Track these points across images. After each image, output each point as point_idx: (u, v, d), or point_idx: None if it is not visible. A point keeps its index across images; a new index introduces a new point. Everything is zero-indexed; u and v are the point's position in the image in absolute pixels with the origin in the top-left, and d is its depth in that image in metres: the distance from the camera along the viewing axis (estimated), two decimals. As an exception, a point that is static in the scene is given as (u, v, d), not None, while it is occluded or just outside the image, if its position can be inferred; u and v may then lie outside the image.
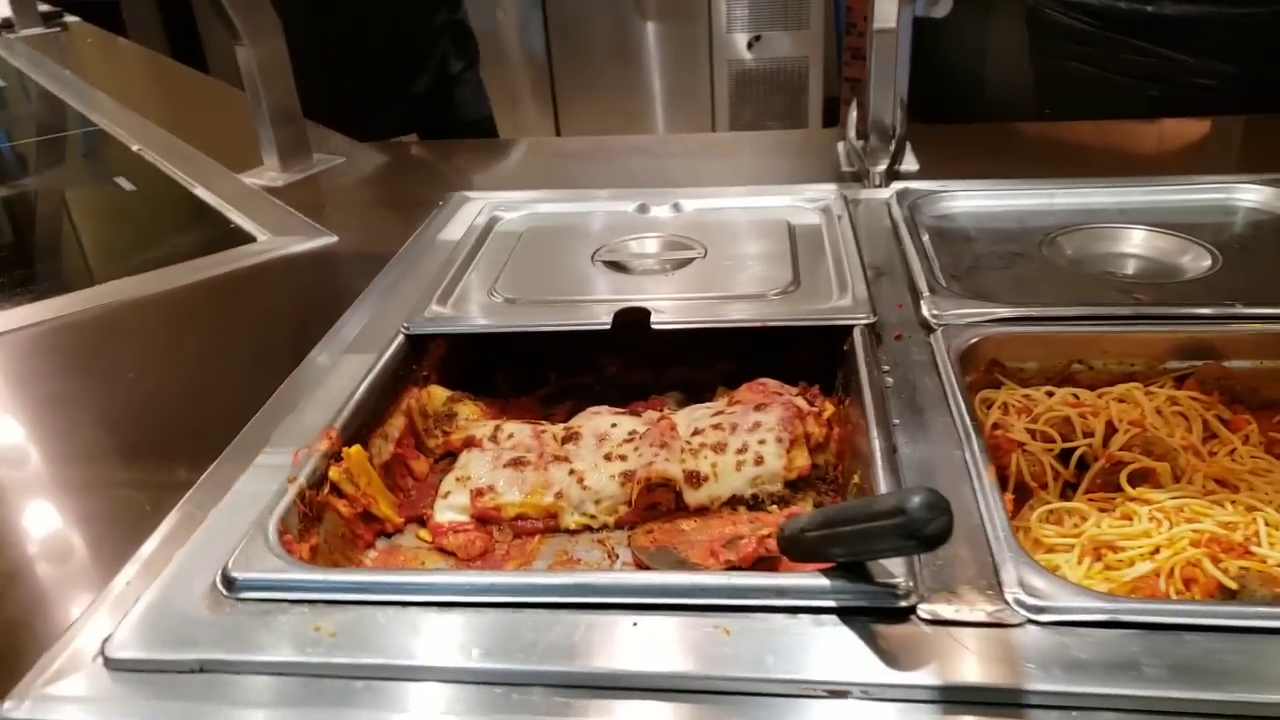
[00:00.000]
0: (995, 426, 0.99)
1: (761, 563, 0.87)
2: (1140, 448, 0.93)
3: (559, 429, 1.07)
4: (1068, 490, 0.95)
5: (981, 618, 0.72)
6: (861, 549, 0.71)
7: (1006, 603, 0.72)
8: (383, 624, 0.75)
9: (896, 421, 0.94)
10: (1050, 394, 1.03)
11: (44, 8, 3.63)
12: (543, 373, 1.23)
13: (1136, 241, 1.27)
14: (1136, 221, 1.31)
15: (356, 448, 0.96)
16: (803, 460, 0.98)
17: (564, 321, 1.15)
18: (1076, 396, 1.02)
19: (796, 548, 0.77)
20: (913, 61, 1.55)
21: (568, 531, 0.98)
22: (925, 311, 1.10)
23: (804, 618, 0.73)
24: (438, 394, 1.13)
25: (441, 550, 0.96)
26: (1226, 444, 0.97)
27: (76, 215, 1.88)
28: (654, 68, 4.63)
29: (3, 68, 3.08)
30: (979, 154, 1.77)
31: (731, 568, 0.86)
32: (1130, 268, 1.24)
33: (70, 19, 3.66)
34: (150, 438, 1.06)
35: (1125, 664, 0.67)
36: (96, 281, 1.44)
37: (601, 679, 0.70)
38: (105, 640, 0.75)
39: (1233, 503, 0.87)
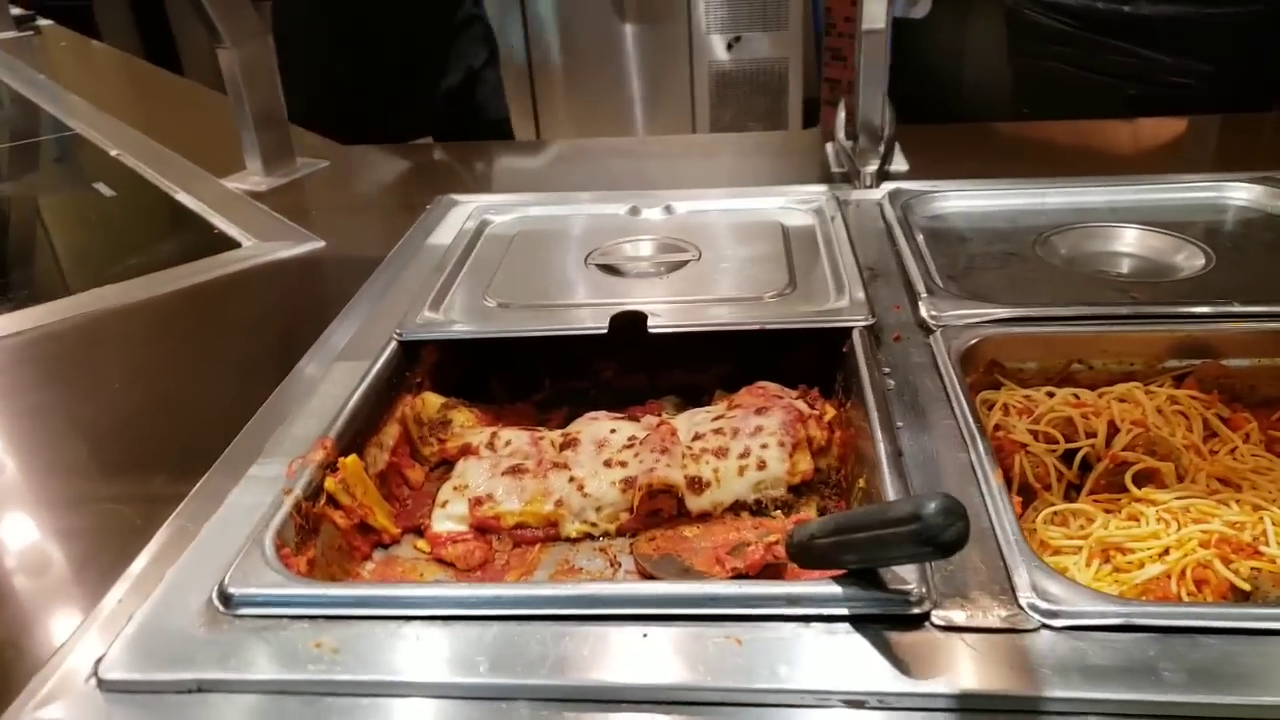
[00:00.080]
0: (997, 428, 0.99)
1: (768, 569, 0.86)
2: (1143, 448, 0.92)
3: (557, 435, 1.05)
4: (1071, 491, 0.95)
5: (996, 623, 0.71)
6: (875, 556, 0.70)
7: (1021, 608, 0.71)
8: (386, 639, 0.73)
9: (900, 424, 0.93)
10: (1051, 394, 1.02)
11: (16, 11, 3.57)
12: (537, 378, 1.22)
13: (1130, 240, 1.27)
14: (1128, 220, 1.31)
15: (353, 457, 0.94)
16: (805, 464, 0.97)
17: (559, 326, 1.13)
18: (1077, 396, 1.02)
19: (806, 555, 0.76)
20: (891, 62, 1.55)
21: (568, 540, 0.96)
22: (924, 313, 1.09)
23: (816, 626, 0.72)
24: (432, 401, 1.11)
25: (440, 561, 0.94)
26: (1227, 443, 0.97)
27: (55, 222, 1.84)
28: (633, 69, 4.62)
29: (-25, 72, 3.03)
30: (966, 154, 1.77)
31: (738, 575, 0.85)
32: (1125, 267, 1.24)
33: (43, 22, 3.60)
34: (137, 450, 1.04)
35: (1143, 669, 0.66)
36: (77, 289, 1.41)
37: (613, 692, 0.69)
38: (98, 661, 0.73)
39: (1237, 502, 0.87)
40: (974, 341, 1.03)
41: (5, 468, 1.03)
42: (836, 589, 0.73)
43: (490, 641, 0.72)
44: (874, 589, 0.72)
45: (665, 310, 1.13)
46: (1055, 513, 0.90)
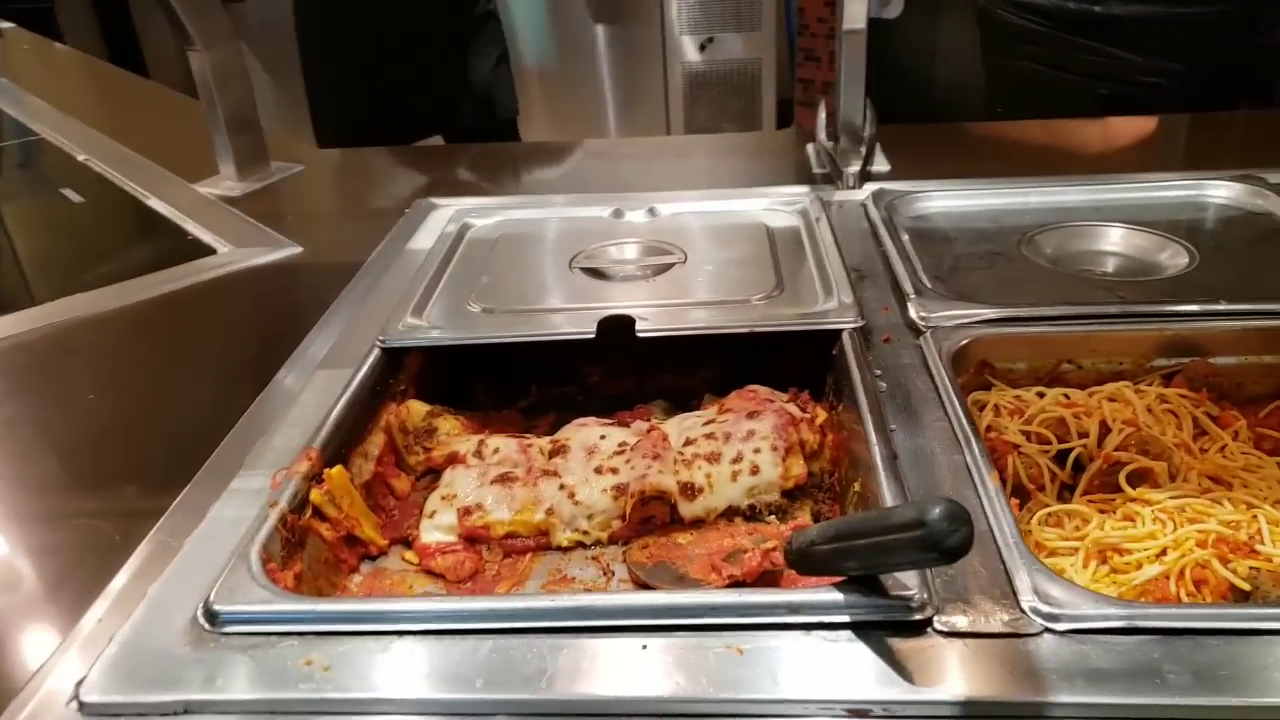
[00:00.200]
0: (988, 429, 0.98)
1: (764, 576, 0.85)
2: (1136, 447, 0.92)
3: (545, 442, 1.04)
4: (1063, 492, 0.95)
5: (999, 628, 0.70)
6: (877, 562, 0.70)
7: (1023, 612, 0.71)
8: (379, 655, 0.72)
9: (893, 427, 0.93)
10: (1041, 395, 1.02)
11: (-25, 14, 3.51)
12: (522, 384, 1.20)
13: (1114, 239, 1.28)
14: (1110, 219, 1.32)
15: (339, 468, 0.92)
16: (799, 468, 0.96)
17: (546, 331, 1.12)
18: (1067, 397, 1.01)
19: (805, 561, 0.75)
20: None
21: (560, 549, 0.95)
22: (913, 314, 1.09)
23: (818, 634, 0.71)
24: (417, 409, 1.09)
25: (429, 572, 0.93)
26: (1217, 441, 0.97)
27: (22, 229, 1.80)
28: (606, 70, 4.61)
29: (-65, 77, 2.96)
30: (945, 154, 1.78)
31: (735, 582, 0.84)
32: (1110, 266, 1.24)
33: (4, 25, 3.53)
34: (114, 463, 1.01)
35: (1148, 672, 0.66)
36: (45, 298, 1.37)
37: (614, 706, 0.68)
38: (79, 683, 0.71)
39: (1229, 500, 0.87)
40: (964, 342, 1.03)
41: (-23, 483, 1.00)
42: (838, 596, 0.72)
43: (485, 656, 0.71)
44: (875, 595, 0.71)
45: (653, 314, 1.12)
46: (1050, 514, 0.90)
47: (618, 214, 1.45)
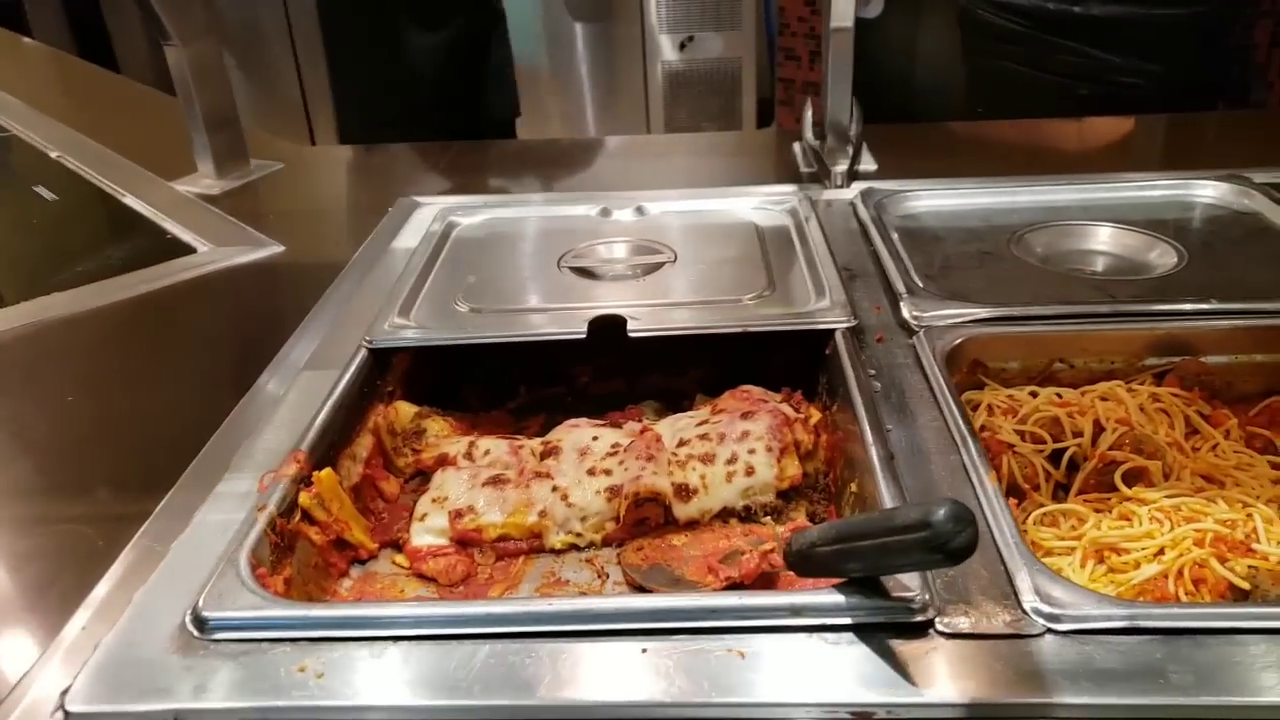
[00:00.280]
0: (982, 428, 0.98)
1: (760, 578, 0.84)
2: (1130, 446, 0.92)
3: (536, 443, 1.02)
4: (1057, 491, 0.95)
5: (1001, 629, 0.70)
6: (881, 564, 0.69)
7: (1024, 612, 0.71)
8: (373, 662, 0.70)
9: (889, 427, 0.92)
10: (1034, 394, 1.02)
11: (-57, 9, 3.44)
12: (511, 384, 1.19)
13: (1104, 239, 1.28)
14: (1099, 218, 1.32)
15: (327, 471, 0.91)
16: (794, 469, 0.95)
17: (536, 331, 1.11)
18: (1060, 396, 1.01)
19: (806, 563, 0.74)
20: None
21: (553, 551, 0.94)
22: (905, 313, 1.08)
23: (820, 636, 0.70)
24: (405, 410, 1.08)
25: (421, 576, 0.91)
26: (1209, 439, 0.97)
27: (-7, 227, 1.77)
28: (585, 69, 4.59)
29: (-100, 72, 2.90)
30: (930, 153, 1.78)
31: (732, 584, 0.83)
32: (1100, 265, 1.25)
33: (-30, 20, 3.47)
34: (96, 466, 0.99)
35: (1151, 672, 0.65)
36: (20, 298, 1.34)
37: (614, 711, 0.67)
38: (64, 693, 0.69)
39: (1223, 499, 0.87)
40: (958, 342, 1.03)
41: (-48, 487, 0.98)
42: (839, 598, 0.71)
43: (483, 661, 0.70)
44: (877, 597, 0.71)
45: (644, 313, 1.11)
46: (1045, 514, 0.90)
47: (605, 213, 1.44)
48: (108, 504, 0.93)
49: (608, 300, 1.17)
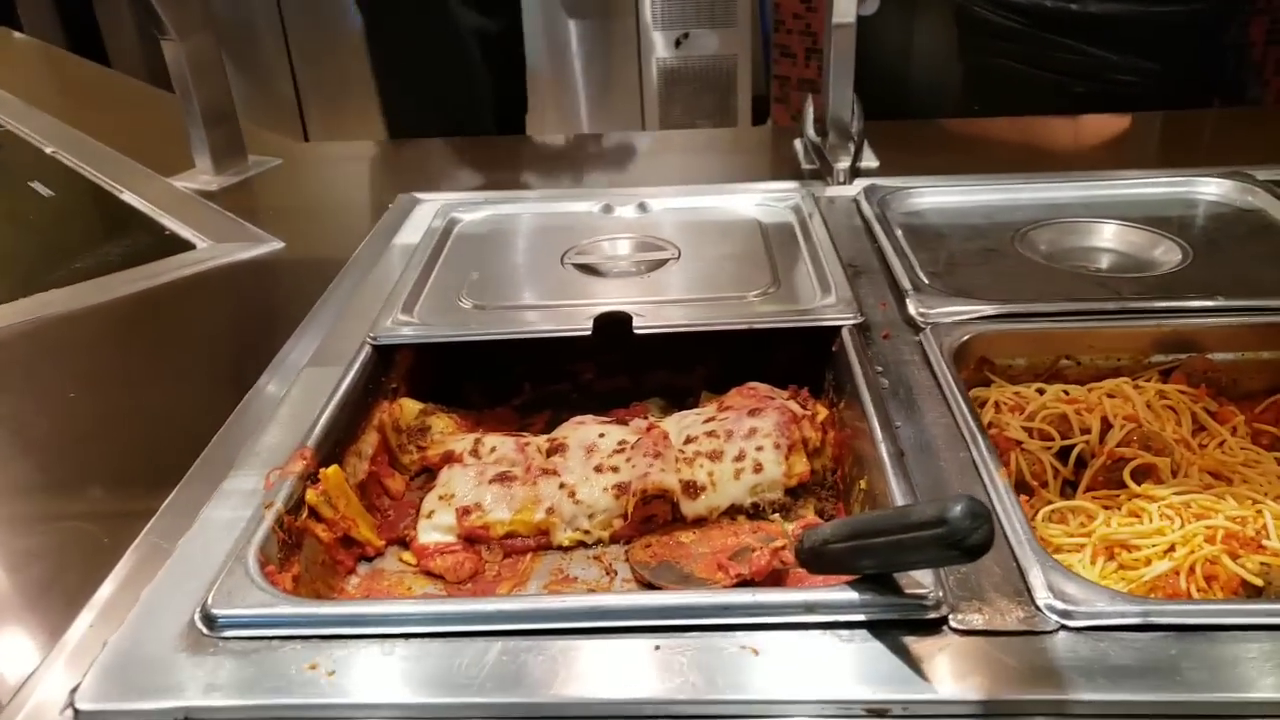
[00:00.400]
0: (989, 425, 0.98)
1: (770, 575, 0.84)
2: (1138, 443, 0.92)
3: (542, 440, 1.02)
4: (1065, 488, 0.94)
5: (1014, 625, 0.70)
6: (896, 560, 0.69)
7: (1038, 609, 0.70)
8: (384, 659, 0.70)
9: (898, 424, 0.92)
10: (1040, 391, 1.02)
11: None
12: (514, 381, 1.18)
13: (1107, 236, 1.28)
14: (1102, 215, 1.32)
15: (334, 468, 0.90)
16: (802, 466, 0.95)
17: (542, 328, 1.10)
18: (1066, 393, 1.01)
19: (818, 560, 0.74)
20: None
21: (560, 548, 0.93)
22: (912, 310, 1.08)
23: (833, 633, 0.70)
24: (410, 407, 1.07)
25: (428, 573, 0.91)
26: (1216, 437, 0.97)
27: (-11, 223, 1.75)
28: (579, 65, 4.58)
29: (-109, 67, 2.87)
30: (931, 150, 1.78)
31: (742, 581, 0.83)
32: (1104, 262, 1.25)
33: (-39, 15, 3.44)
34: (99, 464, 0.98)
35: (1167, 669, 0.65)
36: (18, 294, 1.32)
37: (628, 708, 0.66)
38: (73, 691, 0.68)
39: (1232, 495, 0.87)
40: (965, 339, 1.03)
41: (-45, 485, 0.97)
42: (853, 595, 0.71)
43: (495, 659, 0.69)
44: (890, 594, 0.71)
45: (649, 310, 1.11)
46: (1053, 510, 0.90)
47: (607, 209, 1.43)
48: (112, 501, 0.92)
49: (612, 297, 1.16)
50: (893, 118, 2.11)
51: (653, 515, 0.93)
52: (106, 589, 0.79)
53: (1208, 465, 0.93)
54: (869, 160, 1.59)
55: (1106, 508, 0.88)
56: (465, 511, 0.93)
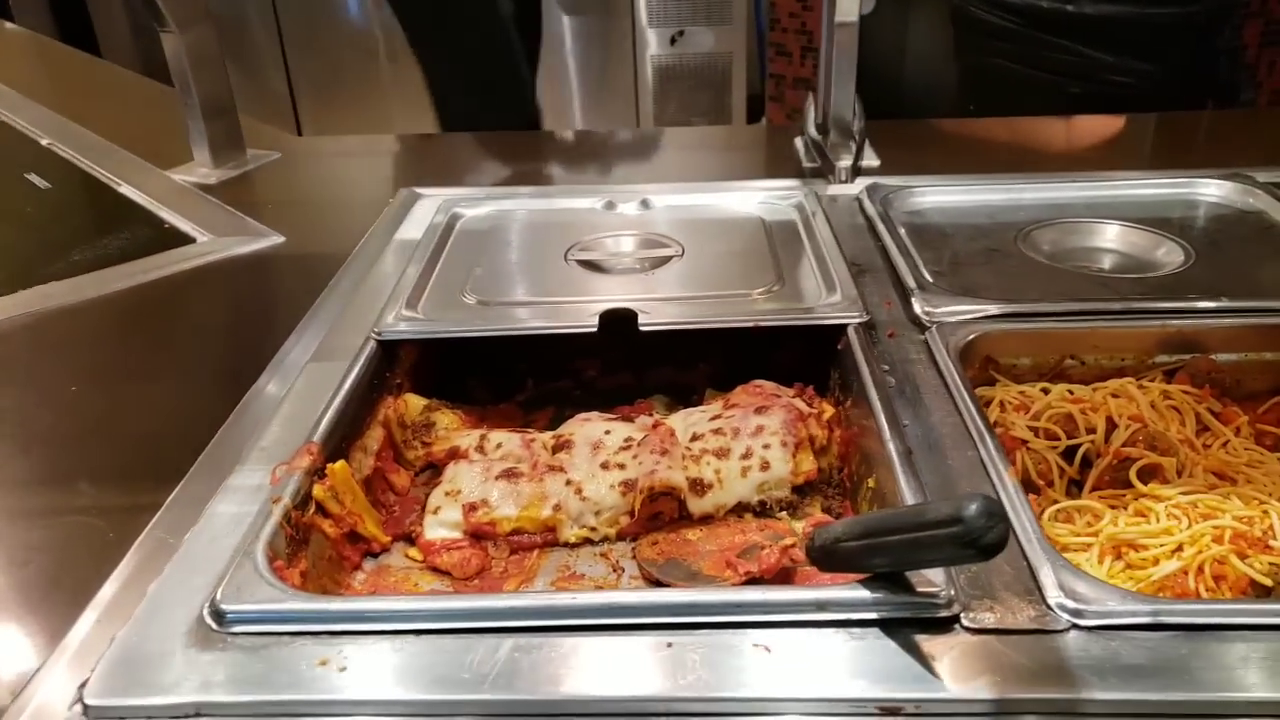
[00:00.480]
0: (995, 424, 0.98)
1: (778, 573, 0.84)
2: (1144, 443, 0.92)
3: (548, 437, 1.02)
4: (1070, 488, 0.95)
5: (1026, 624, 0.70)
6: (909, 559, 0.69)
7: (1049, 608, 0.71)
8: (395, 655, 0.69)
9: (905, 423, 0.92)
10: (1045, 390, 1.02)
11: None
12: (518, 377, 1.18)
13: (1110, 236, 1.28)
14: (1103, 216, 1.33)
15: (341, 463, 0.90)
16: (809, 464, 0.95)
17: (548, 324, 1.10)
18: (1071, 392, 1.02)
19: (830, 558, 0.74)
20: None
21: (567, 545, 0.93)
22: (917, 309, 1.08)
23: (845, 632, 0.70)
24: (414, 403, 1.07)
25: (434, 569, 0.90)
26: (1219, 437, 0.98)
27: (-14, 215, 1.73)
28: (573, 63, 4.57)
29: (-118, 56, 2.85)
30: (930, 149, 1.79)
31: (751, 578, 0.83)
32: (1107, 262, 1.25)
33: (-47, 5, 3.41)
34: (103, 458, 0.97)
35: (1178, 669, 0.66)
36: (18, 286, 1.31)
37: (641, 705, 0.66)
38: (81, 686, 0.68)
39: (1237, 496, 0.87)
40: (971, 338, 1.03)
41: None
42: (865, 593, 0.71)
43: (507, 655, 0.69)
44: (902, 592, 0.71)
45: (654, 307, 1.11)
46: (1059, 510, 0.90)
47: (610, 206, 1.43)
48: (116, 495, 0.91)
49: (616, 294, 1.16)
50: (887, 117, 2.12)
51: (659, 512, 0.93)
52: (112, 584, 0.78)
53: (1212, 466, 0.93)
54: (870, 159, 1.60)
55: (1113, 507, 0.89)
56: (472, 508, 0.92)
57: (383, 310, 1.13)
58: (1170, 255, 1.22)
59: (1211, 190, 1.38)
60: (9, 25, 3.52)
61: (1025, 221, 1.31)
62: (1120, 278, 1.19)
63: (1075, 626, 0.69)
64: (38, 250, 1.50)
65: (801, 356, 1.10)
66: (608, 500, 0.93)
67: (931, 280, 1.14)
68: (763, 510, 0.94)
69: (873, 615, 0.70)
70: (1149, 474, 0.91)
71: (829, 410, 1.02)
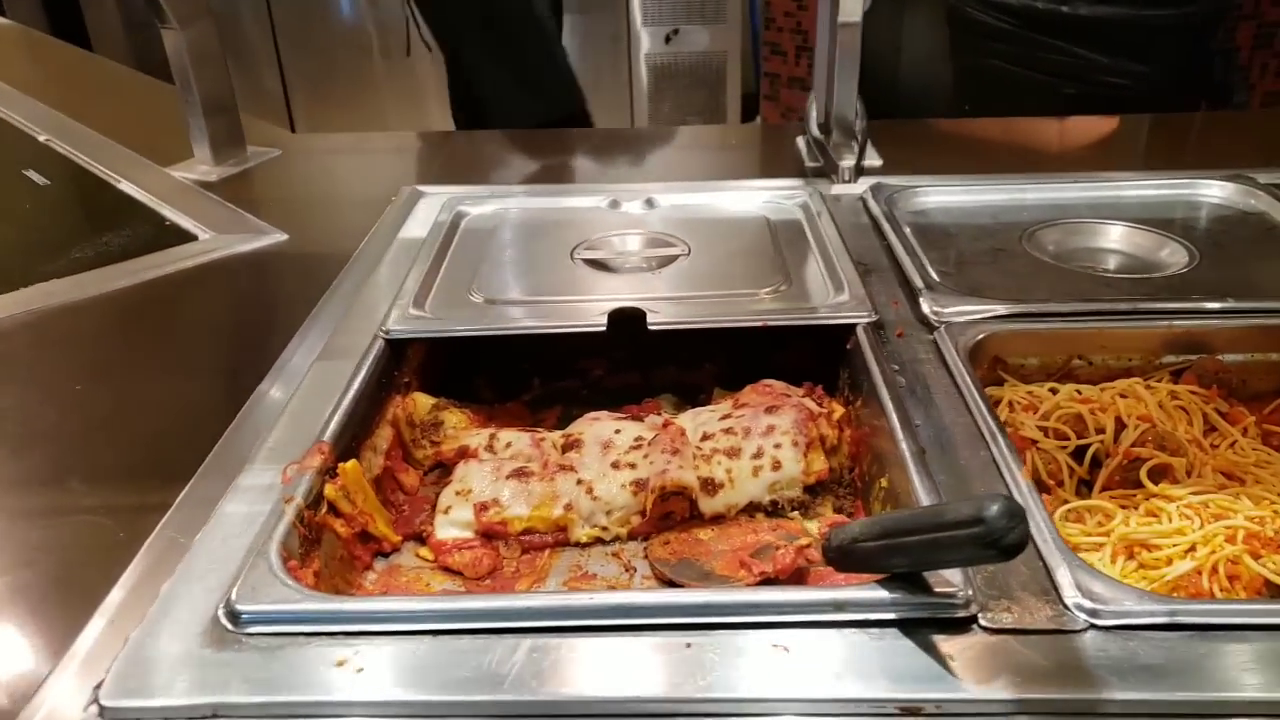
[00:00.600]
0: (1005, 424, 0.98)
1: (792, 573, 0.84)
2: (1153, 443, 0.93)
3: (558, 436, 1.02)
4: (1080, 488, 0.95)
5: (1044, 624, 0.70)
6: (928, 559, 0.69)
7: (1066, 608, 0.71)
8: (413, 656, 0.69)
9: (917, 422, 0.92)
10: (1054, 391, 1.03)
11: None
12: (525, 377, 1.18)
13: (1114, 237, 1.29)
14: (1107, 217, 1.33)
15: (353, 463, 0.89)
16: (820, 464, 0.95)
17: (556, 323, 1.10)
18: (1079, 392, 1.02)
19: (847, 558, 0.74)
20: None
21: (578, 545, 0.93)
22: (925, 309, 1.09)
23: (864, 632, 0.70)
24: (423, 401, 1.07)
25: (446, 569, 0.90)
26: (1227, 437, 0.98)
27: (-16, 210, 1.72)
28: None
29: (-126, 51, 2.83)
30: (931, 149, 1.79)
31: (765, 578, 0.83)
32: (1112, 263, 1.25)
33: (-54, -1, 3.39)
34: (110, 457, 0.96)
35: (1196, 669, 0.66)
36: (19, 283, 1.30)
37: (662, 706, 0.66)
38: (97, 688, 0.67)
39: (1247, 496, 0.88)
40: (980, 338, 1.03)
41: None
42: (883, 593, 0.71)
43: (525, 656, 0.69)
44: (920, 593, 0.71)
45: (661, 306, 1.10)
46: (1070, 510, 0.90)
47: (614, 204, 1.43)
48: (125, 495, 0.91)
49: (623, 293, 1.16)
50: (883, 117, 2.13)
51: (670, 512, 0.93)
52: (123, 584, 0.77)
53: (1220, 465, 0.94)
54: (872, 159, 1.60)
55: (1124, 507, 0.89)
56: (483, 507, 0.92)
57: (390, 309, 1.13)
58: (1174, 256, 1.22)
59: (1213, 191, 1.38)
60: (2, 20, 3.49)
61: (1029, 222, 1.32)
62: (1126, 278, 1.20)
63: (1093, 626, 0.69)
64: (38, 247, 1.48)
65: (808, 356, 1.10)
66: (619, 500, 0.93)
67: (939, 280, 1.14)
68: (774, 510, 0.94)
69: (891, 615, 0.70)
70: (1158, 474, 0.91)
71: (839, 410, 1.02)
